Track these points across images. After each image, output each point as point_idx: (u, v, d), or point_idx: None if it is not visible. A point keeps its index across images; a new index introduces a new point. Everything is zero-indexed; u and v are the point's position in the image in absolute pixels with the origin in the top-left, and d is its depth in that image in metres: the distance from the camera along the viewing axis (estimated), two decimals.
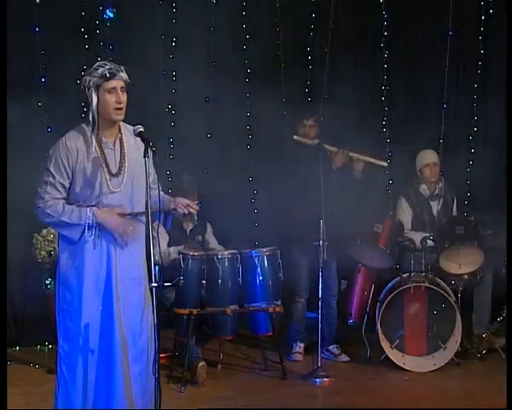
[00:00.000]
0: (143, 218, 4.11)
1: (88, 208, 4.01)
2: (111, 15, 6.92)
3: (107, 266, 4.04)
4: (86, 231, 4.00)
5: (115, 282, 4.03)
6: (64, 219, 4.00)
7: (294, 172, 6.12)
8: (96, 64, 4.05)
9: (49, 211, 4.01)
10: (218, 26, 7.40)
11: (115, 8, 6.96)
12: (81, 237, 4.01)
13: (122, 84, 4.03)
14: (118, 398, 4.01)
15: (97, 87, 3.99)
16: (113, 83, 3.99)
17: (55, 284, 4.16)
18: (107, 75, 3.97)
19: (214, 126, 7.35)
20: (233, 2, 7.47)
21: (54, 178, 4.01)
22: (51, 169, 4.02)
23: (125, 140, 4.13)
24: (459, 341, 5.99)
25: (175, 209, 4.19)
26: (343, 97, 7.04)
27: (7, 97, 5.02)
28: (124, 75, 4.04)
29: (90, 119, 4.03)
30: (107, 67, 4.00)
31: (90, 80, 4.00)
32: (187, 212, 4.20)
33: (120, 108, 4.02)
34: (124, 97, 4.03)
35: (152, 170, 4.06)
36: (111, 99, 3.99)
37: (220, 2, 7.41)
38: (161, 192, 4.18)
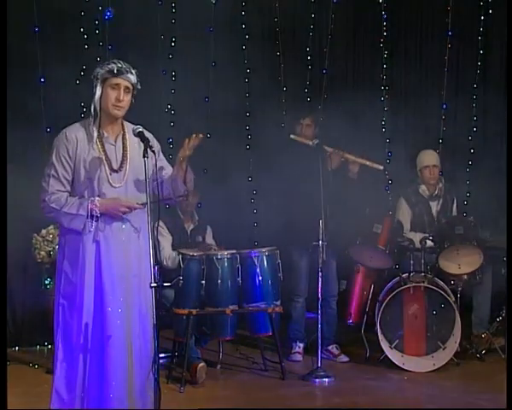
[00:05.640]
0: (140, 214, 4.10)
1: (90, 199, 4.02)
2: (110, 16, 6.91)
3: (106, 262, 4.03)
4: (89, 221, 3.99)
5: (113, 278, 4.03)
6: (66, 209, 4.01)
7: (293, 172, 6.12)
8: (111, 60, 4.13)
9: (53, 205, 4.03)
10: (218, 26, 7.40)
11: (115, 8, 6.96)
12: (84, 228, 4.01)
13: (127, 84, 4.08)
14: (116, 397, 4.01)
15: (103, 81, 4.06)
16: (118, 80, 4.05)
17: (56, 280, 4.14)
18: (115, 71, 4.05)
19: (214, 127, 7.35)
20: (232, 2, 7.47)
21: (56, 171, 4.04)
22: (54, 161, 4.05)
23: (127, 138, 4.16)
24: (458, 341, 5.98)
25: (181, 169, 4.14)
26: (342, 97, 7.04)
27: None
28: (132, 77, 4.09)
29: (92, 110, 4.10)
30: (119, 65, 4.07)
31: (98, 72, 4.09)
32: (192, 145, 4.11)
33: (119, 106, 4.06)
34: (126, 97, 4.08)
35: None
36: (112, 95, 4.06)
37: (220, 3, 7.41)
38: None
